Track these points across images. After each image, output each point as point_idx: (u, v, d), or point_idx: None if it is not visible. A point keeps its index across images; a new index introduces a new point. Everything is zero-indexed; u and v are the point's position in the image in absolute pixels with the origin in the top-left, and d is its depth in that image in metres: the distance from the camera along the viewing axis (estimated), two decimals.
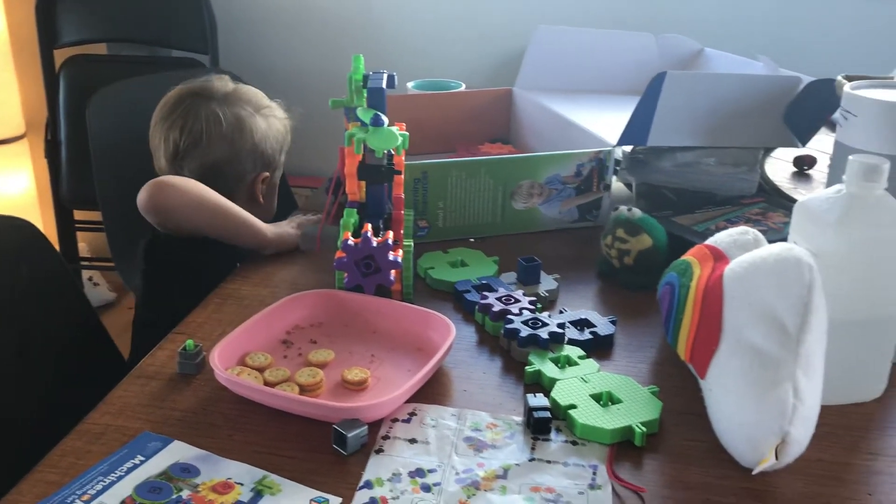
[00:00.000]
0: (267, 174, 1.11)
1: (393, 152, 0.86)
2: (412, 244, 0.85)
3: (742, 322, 0.63)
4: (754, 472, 0.59)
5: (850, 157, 0.66)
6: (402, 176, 0.88)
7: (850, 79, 1.06)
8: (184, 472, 0.62)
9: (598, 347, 0.79)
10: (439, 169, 0.98)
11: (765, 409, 0.60)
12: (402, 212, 0.85)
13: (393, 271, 0.78)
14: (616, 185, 1.14)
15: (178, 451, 0.64)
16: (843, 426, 0.68)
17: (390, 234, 0.78)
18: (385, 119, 0.82)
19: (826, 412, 0.68)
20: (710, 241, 0.74)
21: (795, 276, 0.61)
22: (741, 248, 0.71)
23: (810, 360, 0.61)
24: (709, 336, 0.66)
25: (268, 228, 0.97)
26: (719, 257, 0.71)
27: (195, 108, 1.06)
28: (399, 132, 0.83)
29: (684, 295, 0.71)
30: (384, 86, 0.86)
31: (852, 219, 0.66)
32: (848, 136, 0.72)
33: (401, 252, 0.79)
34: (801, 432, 0.60)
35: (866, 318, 0.68)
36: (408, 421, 0.67)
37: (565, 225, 1.05)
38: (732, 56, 1.32)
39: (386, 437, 0.65)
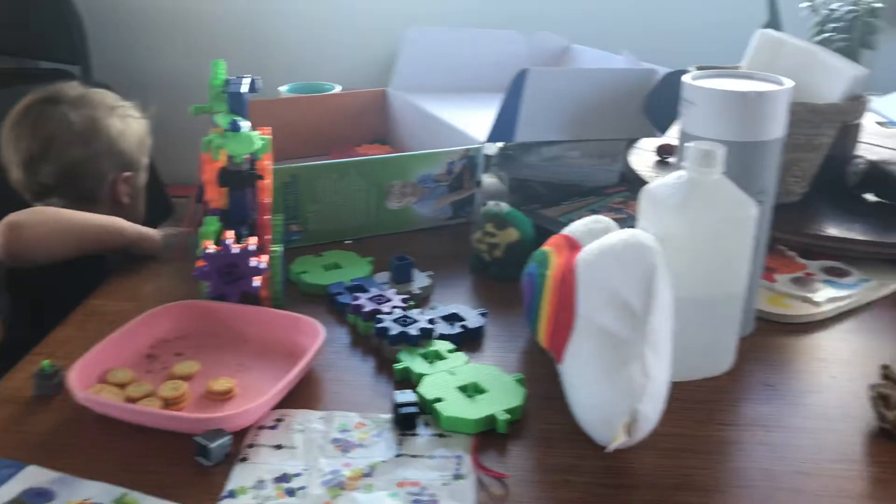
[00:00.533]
0: (129, 174, 1.10)
1: (258, 157, 0.85)
2: (281, 249, 0.84)
3: (593, 306, 0.66)
4: (608, 450, 0.62)
5: (687, 144, 0.70)
6: (269, 181, 0.88)
7: (702, 69, 1.11)
8: (38, 496, 0.59)
9: (469, 340, 0.80)
10: (309, 172, 0.97)
11: (615, 388, 0.62)
12: (268, 217, 0.85)
13: (259, 278, 0.77)
14: (492, 180, 1.16)
15: (31, 476, 0.61)
16: (696, 400, 0.72)
17: (252, 240, 0.77)
18: (244, 124, 0.81)
19: (679, 388, 0.71)
20: (565, 230, 0.77)
21: (639, 260, 0.64)
22: (594, 236, 0.73)
23: (658, 338, 0.64)
24: (564, 322, 0.68)
25: (128, 225, 0.95)
26: (574, 246, 0.73)
27: (45, 113, 1.05)
28: (260, 136, 0.82)
29: (542, 284, 0.73)
30: (243, 90, 0.85)
31: (692, 202, 0.69)
32: (689, 125, 0.76)
33: (266, 258, 0.79)
34: (651, 409, 0.62)
35: (711, 296, 0.72)
36: (274, 427, 0.67)
37: (440, 222, 1.06)
38: (597, 51, 1.36)
39: (251, 446, 0.65)
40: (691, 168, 0.69)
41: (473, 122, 1.15)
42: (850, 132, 1.12)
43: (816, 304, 0.85)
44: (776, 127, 0.74)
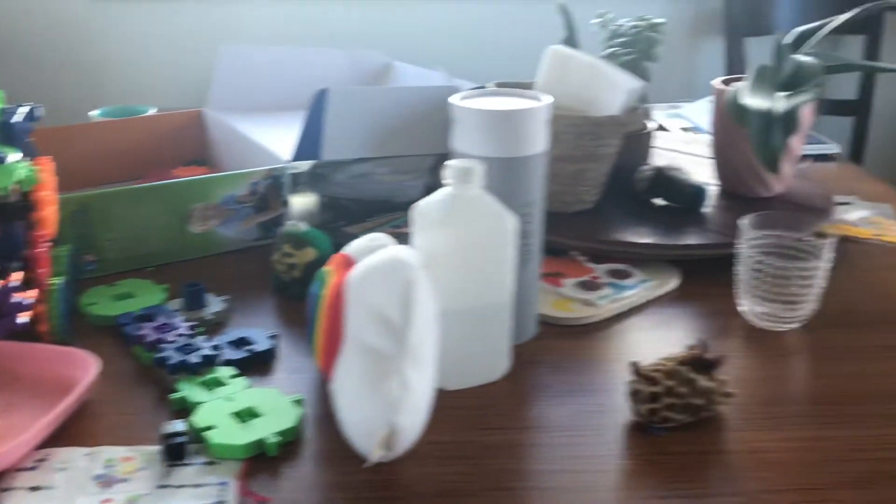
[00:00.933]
0: None
1: (28, 188, 0.82)
2: (61, 281, 0.82)
3: (359, 324, 0.67)
4: (366, 465, 0.63)
5: (447, 162, 0.72)
6: (49, 211, 0.85)
7: (500, 85, 1.15)
8: None
9: (258, 364, 0.80)
10: (100, 199, 0.95)
11: (375, 402, 0.64)
12: (46, 249, 0.82)
13: (26, 314, 0.75)
14: (305, 199, 1.16)
15: None
16: (469, 406, 0.74)
17: (16, 275, 0.75)
18: (13, 156, 0.79)
19: (454, 395, 0.74)
20: (345, 249, 0.78)
21: (398, 276, 0.66)
22: (370, 254, 0.75)
23: (418, 352, 0.66)
24: (334, 341, 0.69)
25: None
26: (350, 264, 0.75)
27: None
28: (28, 167, 0.80)
29: (319, 304, 0.74)
30: (16, 120, 0.82)
31: (455, 218, 0.72)
32: (457, 143, 0.79)
33: (33, 293, 0.76)
34: (411, 420, 0.64)
35: (480, 307, 0.75)
36: (34, 468, 0.65)
37: (247, 244, 1.06)
38: (416, 68, 1.39)
39: (6, 490, 0.62)
40: (452, 185, 0.72)
41: (289, 141, 1.16)
42: (641, 140, 1.20)
43: (597, 306, 0.90)
44: (537, 142, 0.78)
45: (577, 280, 0.95)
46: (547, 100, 0.79)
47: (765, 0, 2.22)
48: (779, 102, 0.92)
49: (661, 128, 1.56)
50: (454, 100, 0.79)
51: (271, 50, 1.39)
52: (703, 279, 0.97)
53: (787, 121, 0.92)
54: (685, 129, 1.54)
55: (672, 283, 0.96)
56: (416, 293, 0.66)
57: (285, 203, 1.07)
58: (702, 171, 1.21)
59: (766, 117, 0.92)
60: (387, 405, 0.63)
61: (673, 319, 0.91)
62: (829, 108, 2.30)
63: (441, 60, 1.45)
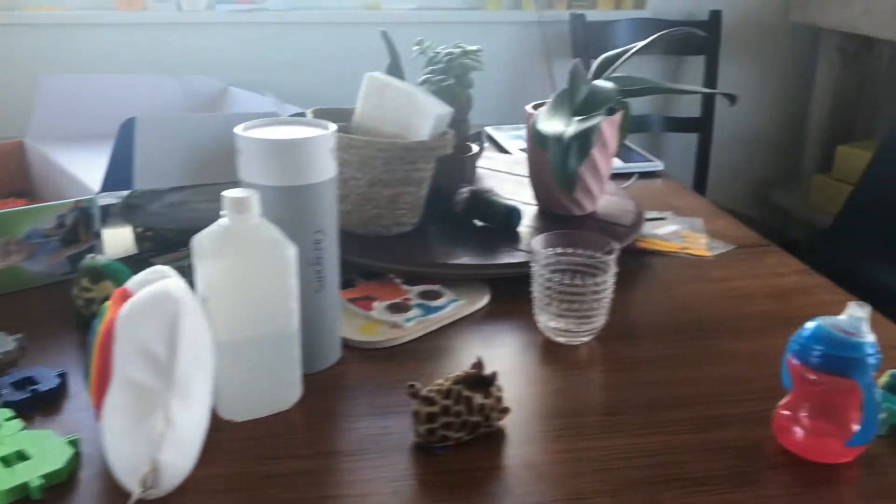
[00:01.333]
0: None
1: None
2: None
3: (126, 360, 0.66)
4: (128, 503, 0.62)
5: (222, 193, 0.73)
6: None
7: (317, 113, 1.16)
8: None
9: (43, 404, 0.78)
10: None
11: (137, 440, 0.63)
12: None
13: None
14: (124, 230, 1.14)
15: None
16: (256, 437, 0.74)
17: None
18: None
19: (243, 426, 0.74)
20: (128, 282, 0.77)
21: (162, 310, 0.66)
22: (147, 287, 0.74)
23: (185, 386, 0.65)
24: (104, 378, 0.68)
25: None
26: (128, 298, 0.73)
27: None
28: None
29: (94, 340, 0.72)
30: None
31: (229, 248, 0.72)
32: (243, 172, 0.79)
33: None
34: (176, 457, 0.64)
35: (265, 335, 0.75)
36: None
37: (58, 278, 1.03)
38: (250, 93, 1.39)
39: None
40: (228, 215, 0.72)
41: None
42: (464, 163, 1.23)
43: (402, 327, 0.91)
44: (322, 170, 0.79)
45: (388, 303, 0.96)
46: (332, 127, 0.80)
47: (604, 24, 2.32)
48: (571, 127, 0.96)
49: (501, 149, 1.61)
50: (237, 130, 0.79)
51: (98, 78, 1.36)
52: (513, 296, 1.00)
53: (580, 144, 0.96)
54: (524, 150, 1.59)
55: (482, 301, 0.99)
56: (181, 327, 0.66)
57: (97, 235, 1.04)
58: (524, 191, 1.25)
59: (560, 141, 0.96)
60: (149, 441, 0.63)
61: (478, 337, 0.93)
62: (674, 125, 2.42)
63: (279, 85, 1.45)
